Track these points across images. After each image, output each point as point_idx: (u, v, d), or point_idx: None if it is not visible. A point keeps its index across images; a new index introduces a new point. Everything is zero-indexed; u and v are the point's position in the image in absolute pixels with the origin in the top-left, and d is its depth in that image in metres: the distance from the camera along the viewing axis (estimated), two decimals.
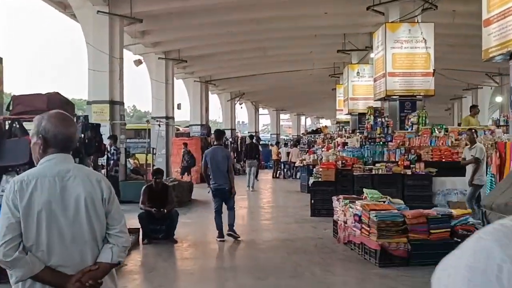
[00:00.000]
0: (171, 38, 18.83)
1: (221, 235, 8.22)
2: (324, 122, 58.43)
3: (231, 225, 8.32)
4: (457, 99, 36.16)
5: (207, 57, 22.70)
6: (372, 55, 16.56)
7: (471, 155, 8.93)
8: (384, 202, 7.71)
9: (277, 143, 26.57)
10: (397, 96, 13.23)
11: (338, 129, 24.56)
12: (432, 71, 12.96)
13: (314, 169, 11.78)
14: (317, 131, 25.30)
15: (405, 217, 6.26)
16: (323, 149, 16.15)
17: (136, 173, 15.73)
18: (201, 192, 17.17)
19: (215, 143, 9.08)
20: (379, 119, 11.91)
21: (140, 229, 8.05)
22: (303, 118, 59.28)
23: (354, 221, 6.97)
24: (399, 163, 10.35)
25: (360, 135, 12.45)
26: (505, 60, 7.78)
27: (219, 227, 8.22)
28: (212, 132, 28.41)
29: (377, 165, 10.60)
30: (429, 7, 12.74)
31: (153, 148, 14.21)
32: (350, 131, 17.73)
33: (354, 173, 10.55)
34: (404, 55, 13.17)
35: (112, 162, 12.09)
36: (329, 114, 52.23)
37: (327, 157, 11.28)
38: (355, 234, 6.93)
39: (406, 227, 6.20)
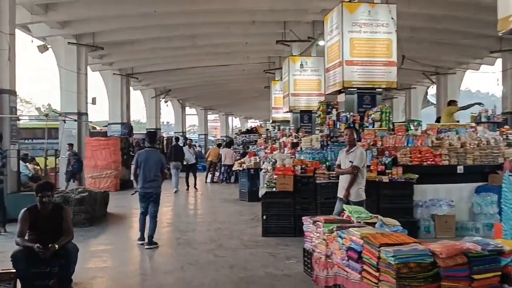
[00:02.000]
0: (82, 17, 15.68)
1: (142, 238, 8.15)
2: (253, 123, 56.64)
3: (150, 237, 7.97)
4: (387, 99, 35.78)
5: (128, 45, 19.65)
6: (321, 42, 14.59)
7: (349, 161, 7.00)
8: (375, 223, 5.54)
9: (219, 145, 23.98)
10: (355, 89, 11.23)
11: (277, 128, 22.50)
12: (395, 60, 11.26)
13: (266, 175, 9.41)
14: (252, 131, 23.09)
15: (434, 255, 4.05)
16: (266, 151, 13.90)
17: (36, 181, 12.51)
18: (121, 201, 14.38)
19: (147, 145, 8.52)
20: (343, 114, 9.78)
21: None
22: (231, 118, 57.08)
23: (347, 258, 4.67)
24: (371, 167, 8.25)
25: (320, 134, 10.25)
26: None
27: (142, 228, 8.20)
28: (132, 132, 25.50)
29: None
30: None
31: (56, 150, 11.13)
32: (295, 130, 15.56)
33: (317, 181, 8.35)
34: (364, 40, 11.21)
35: None
36: (259, 114, 50.46)
37: (282, 160, 8.93)
38: (349, 278, 4.63)
39: (438, 272, 4.00)
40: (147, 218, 8.13)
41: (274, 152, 13.04)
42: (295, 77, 17.66)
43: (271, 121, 25.49)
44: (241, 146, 22.03)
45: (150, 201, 8.03)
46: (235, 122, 64.39)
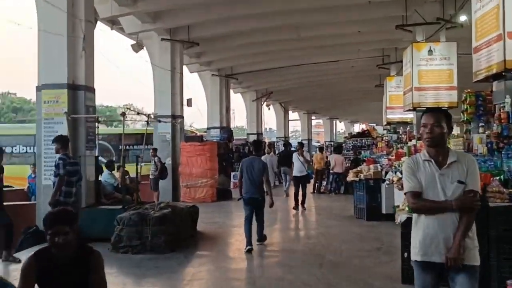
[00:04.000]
0: (173, 6, 14.10)
1: (249, 243, 7.95)
2: (358, 127, 53.06)
3: (259, 240, 8.26)
4: None
5: (225, 41, 17.88)
6: (462, 17, 12.15)
7: (456, 182, 3.32)
8: None
9: (321, 149, 21.46)
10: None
11: (392, 130, 19.41)
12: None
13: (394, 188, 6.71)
14: (364, 134, 20.20)
15: None
16: (389, 157, 11.10)
17: (125, 192, 10.98)
18: (214, 215, 12.45)
19: (253, 153, 8.93)
20: None
21: None
22: (335, 122, 54.01)
23: None
24: None
25: (487, 132, 7.24)
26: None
27: (248, 235, 8.01)
28: (232, 136, 23.83)
29: None
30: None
31: (138, 156, 9.41)
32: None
33: (490, 204, 5.48)
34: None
35: (56, 179, 7.32)
36: (367, 117, 46.74)
37: None
38: None
39: None
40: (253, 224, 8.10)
41: (403, 159, 10.20)
42: (420, 68, 14.44)
43: (384, 123, 22.36)
44: (351, 151, 19.24)
45: (255, 207, 8.15)
46: (339, 127, 61.23)
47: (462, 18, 12.04)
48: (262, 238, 8.36)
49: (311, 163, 19.19)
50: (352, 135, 21.07)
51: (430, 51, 14.10)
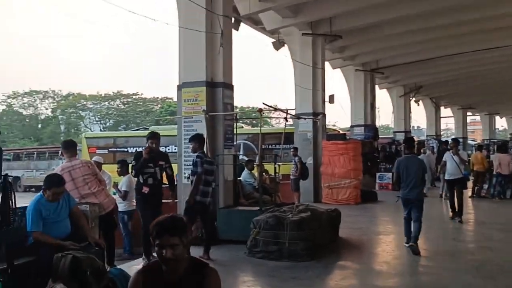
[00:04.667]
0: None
1: (409, 239, 7.99)
2: None
3: (414, 237, 7.87)
4: None
5: (370, 32, 16.68)
6: None
7: None
8: None
9: (480, 147, 19.01)
10: None
11: None
12: None
13: None
14: None
15: None
16: None
17: (264, 192, 10.65)
18: (358, 219, 11.48)
19: (406, 152, 8.62)
20: None
21: None
22: (495, 118, 48.42)
23: None
24: None
25: None
26: None
27: (407, 233, 8.08)
28: (378, 134, 22.34)
29: None
30: None
31: (276, 155, 8.92)
32: None
33: None
34: None
35: (194, 178, 7.12)
36: None
37: None
38: None
39: None
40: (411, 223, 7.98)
41: None
42: None
43: None
44: None
45: (412, 207, 8.00)
46: (498, 123, 54.98)
47: None
48: (417, 240, 7.94)
49: (467, 164, 17.05)
50: None
51: None
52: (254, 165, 11.42)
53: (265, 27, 14.88)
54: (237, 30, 14.34)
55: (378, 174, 19.89)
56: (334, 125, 31.79)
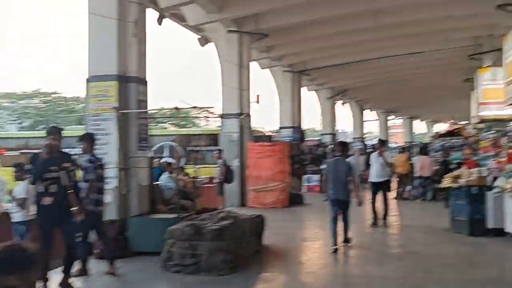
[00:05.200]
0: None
1: (334, 243, 7.84)
2: (439, 127, 49.42)
3: (345, 232, 8.19)
4: None
5: (296, 31, 16.40)
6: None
7: None
8: None
9: (404, 149, 19.41)
10: None
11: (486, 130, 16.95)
12: None
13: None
14: (454, 133, 17.87)
15: None
16: (499, 158, 9.06)
17: (183, 197, 9.87)
18: (286, 224, 11.01)
19: (337, 154, 8.62)
20: None
21: None
22: (415, 122, 50.70)
23: None
24: None
25: None
26: None
27: (333, 235, 7.93)
28: (304, 137, 22.21)
29: None
30: None
31: (196, 158, 8.19)
32: None
33: None
34: None
35: (84, 185, 6.21)
36: (450, 116, 43.07)
37: None
38: None
39: None
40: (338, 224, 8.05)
41: None
42: None
43: (474, 121, 19.80)
44: (440, 152, 17.00)
45: (341, 208, 8.10)
46: (417, 127, 57.61)
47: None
48: (347, 239, 8.22)
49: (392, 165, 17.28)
50: (440, 135, 18.75)
51: None
52: (175, 168, 10.62)
53: (188, 22, 14.09)
54: (160, 24, 13.61)
55: (305, 177, 19.72)
56: (263, 128, 31.52)
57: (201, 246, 6.54)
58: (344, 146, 8.80)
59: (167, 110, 16.05)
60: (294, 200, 15.02)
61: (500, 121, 17.45)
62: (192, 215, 7.72)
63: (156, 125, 22.82)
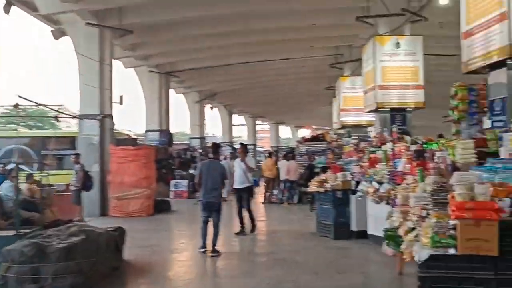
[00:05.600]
0: None
1: (204, 245, 8.01)
2: (304, 132, 51.98)
3: (213, 245, 7.95)
4: None
5: (163, 30, 15.66)
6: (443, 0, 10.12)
7: None
8: None
9: (272, 154, 19.60)
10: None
11: (346, 135, 17.93)
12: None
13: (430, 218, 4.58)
14: (318, 139, 18.57)
15: None
16: (361, 163, 9.34)
17: (26, 208, 8.53)
18: (151, 235, 10.18)
19: (211, 156, 8.83)
20: None
21: None
22: (281, 127, 52.69)
23: None
24: None
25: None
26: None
27: (203, 236, 8.06)
28: (172, 140, 21.40)
29: None
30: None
31: (43, 163, 7.08)
32: (381, 134, 10.86)
33: None
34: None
35: None
36: (314, 122, 45.52)
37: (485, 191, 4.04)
38: None
39: None
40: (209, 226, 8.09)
41: (378, 166, 8.47)
42: (384, 64, 13.00)
43: (336, 127, 20.92)
44: (305, 156, 17.49)
45: (212, 211, 8.13)
46: (283, 132, 60.03)
47: (443, 1, 10.49)
48: (215, 246, 7.99)
49: (255, 170, 17.39)
50: (306, 139, 19.37)
51: (397, 44, 12.66)
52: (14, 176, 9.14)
53: (40, 11, 12.52)
54: (7, 13, 11.98)
55: (173, 182, 18.98)
56: (130, 130, 29.97)
57: (45, 268, 5.53)
58: (217, 148, 8.94)
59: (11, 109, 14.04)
60: (161, 207, 14.22)
61: (359, 127, 18.76)
62: (36, 230, 6.57)
63: (4, 126, 20.26)
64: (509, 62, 6.77)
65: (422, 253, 3.93)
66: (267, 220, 12.86)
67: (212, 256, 7.80)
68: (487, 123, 7.45)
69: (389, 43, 12.87)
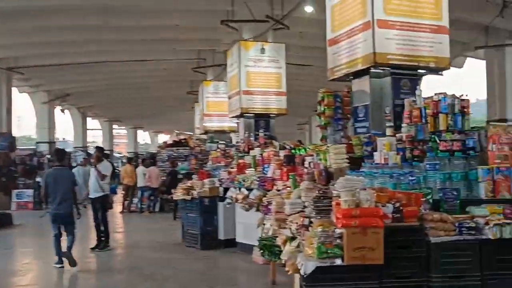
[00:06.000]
0: None
1: (60, 261, 7.45)
2: (163, 138, 50.90)
3: (69, 247, 7.49)
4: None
5: (6, 18, 13.72)
6: (308, 8, 10.39)
7: None
8: None
9: (131, 159, 18.40)
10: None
11: (209, 141, 17.70)
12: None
13: (317, 227, 4.24)
14: (181, 144, 17.96)
15: None
16: (230, 169, 9.02)
17: None
18: None
19: (56, 164, 8.07)
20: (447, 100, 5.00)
21: None
22: (139, 133, 50.91)
23: None
24: None
25: (402, 134, 5.20)
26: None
27: (58, 251, 7.49)
28: (15, 145, 18.98)
29: (473, 209, 3.92)
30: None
31: None
32: (247, 140, 10.78)
33: (432, 239, 3.70)
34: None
35: None
36: (176, 127, 44.51)
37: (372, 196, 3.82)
38: None
39: None
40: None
41: (247, 172, 8.25)
42: (248, 69, 13.02)
43: (199, 132, 20.60)
44: (167, 162, 16.76)
45: (63, 223, 7.61)
46: (141, 137, 58.17)
47: (308, 8, 10.71)
48: (71, 254, 7.44)
49: (107, 176, 16.01)
50: (168, 145, 18.62)
51: (262, 49, 12.73)
52: None
53: None
54: None
55: (15, 192, 16.82)
56: None
57: None
58: (61, 155, 8.34)
59: None
60: (0, 221, 12.35)
61: (222, 132, 18.65)
62: None
63: None
64: (372, 70, 7.01)
65: (307, 265, 3.65)
66: (127, 231, 11.89)
67: (68, 259, 7.32)
68: (351, 129, 7.69)
69: (254, 49, 12.94)
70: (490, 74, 15.76)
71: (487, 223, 3.69)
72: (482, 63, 16.36)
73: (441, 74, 7.33)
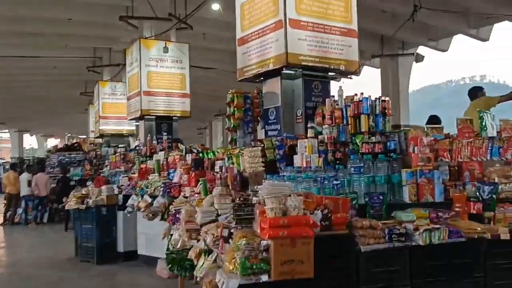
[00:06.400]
0: None
1: None
2: (53, 142, 47.44)
3: None
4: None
5: None
6: (215, 6, 9.92)
7: None
8: None
9: (15, 165, 16.51)
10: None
11: (105, 144, 16.58)
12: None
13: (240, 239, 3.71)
14: (74, 148, 16.52)
15: None
16: (131, 174, 8.24)
17: None
18: None
19: None
20: (369, 99, 4.78)
21: None
22: (26, 136, 46.86)
23: None
24: (470, 208, 3.76)
25: (324, 136, 4.84)
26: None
27: None
28: None
29: (399, 214, 3.74)
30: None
31: None
32: (150, 143, 10.09)
33: (362, 247, 3.43)
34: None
35: None
36: (67, 131, 41.56)
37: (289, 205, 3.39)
38: None
39: None
40: None
41: (150, 177, 7.59)
42: (150, 69, 12.26)
43: (94, 135, 19.23)
44: (57, 168, 15.29)
45: None
46: (27, 142, 53.70)
47: (215, 6, 10.26)
48: None
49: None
50: (59, 149, 17.03)
51: (165, 48, 12.04)
52: None
53: None
54: None
55: None
56: None
57: None
58: None
59: None
60: None
61: (119, 136, 17.53)
62: None
63: None
64: (284, 71, 6.77)
65: (229, 283, 3.18)
66: (10, 246, 10.52)
67: None
68: (261, 132, 7.40)
69: (156, 47, 12.21)
70: (385, 83, 16.57)
71: (416, 229, 3.51)
72: (377, 72, 17.16)
73: (351, 78, 7.34)
